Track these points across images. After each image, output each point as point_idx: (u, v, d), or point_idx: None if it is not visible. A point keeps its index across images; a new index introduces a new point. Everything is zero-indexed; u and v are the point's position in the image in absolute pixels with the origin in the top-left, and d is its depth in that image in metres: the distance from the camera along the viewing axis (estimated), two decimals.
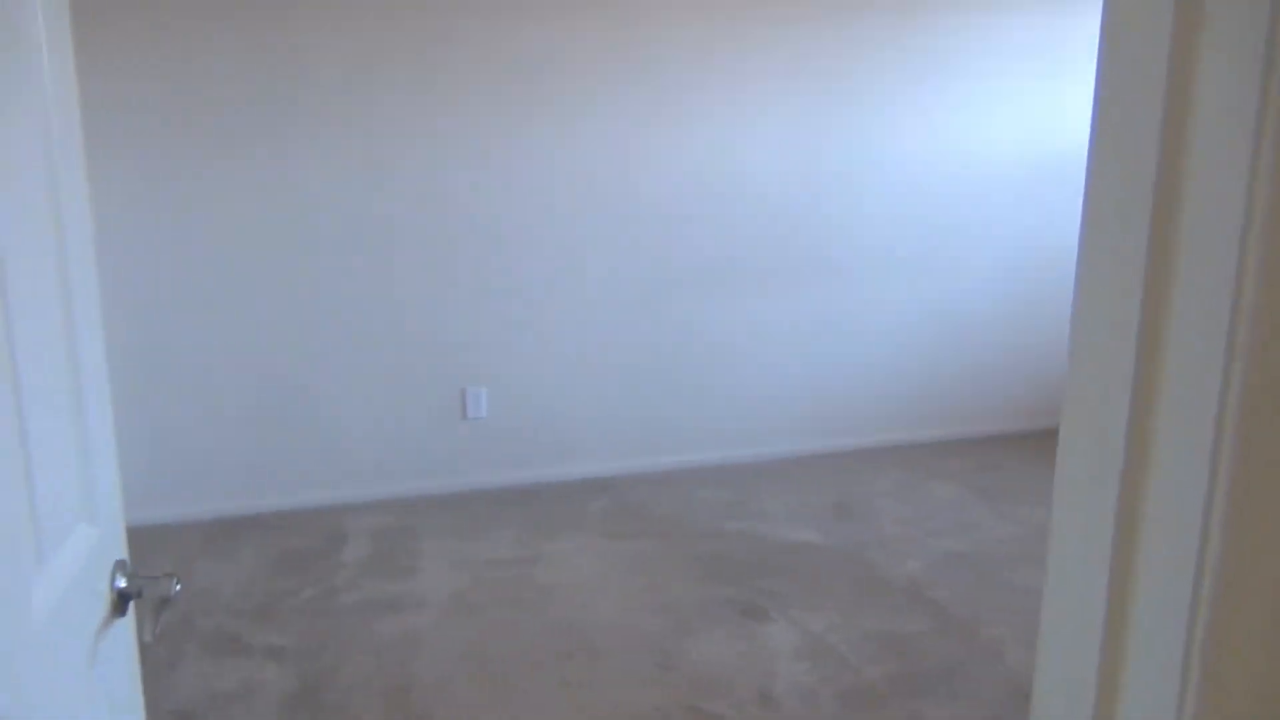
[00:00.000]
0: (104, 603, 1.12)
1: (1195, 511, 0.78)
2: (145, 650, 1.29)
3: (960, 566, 3.56)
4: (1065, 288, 4.79)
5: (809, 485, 4.28)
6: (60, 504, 1.00)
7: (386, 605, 3.30)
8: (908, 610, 3.26)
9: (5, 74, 0.90)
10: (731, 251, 4.31)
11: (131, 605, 1.17)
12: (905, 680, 2.85)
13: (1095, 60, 0.83)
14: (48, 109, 1.00)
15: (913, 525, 3.90)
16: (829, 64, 4.22)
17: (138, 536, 3.77)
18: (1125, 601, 0.86)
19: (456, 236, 3.99)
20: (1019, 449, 4.71)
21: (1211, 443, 0.76)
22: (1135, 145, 0.80)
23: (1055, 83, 4.52)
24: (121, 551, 1.20)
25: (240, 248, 3.81)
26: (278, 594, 3.39)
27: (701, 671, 2.89)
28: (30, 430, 0.91)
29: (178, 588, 1.20)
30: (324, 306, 3.93)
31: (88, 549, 1.07)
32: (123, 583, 1.15)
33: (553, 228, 4.08)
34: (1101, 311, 0.86)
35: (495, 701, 2.74)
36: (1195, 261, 0.76)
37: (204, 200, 3.74)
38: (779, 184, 4.28)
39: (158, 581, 1.19)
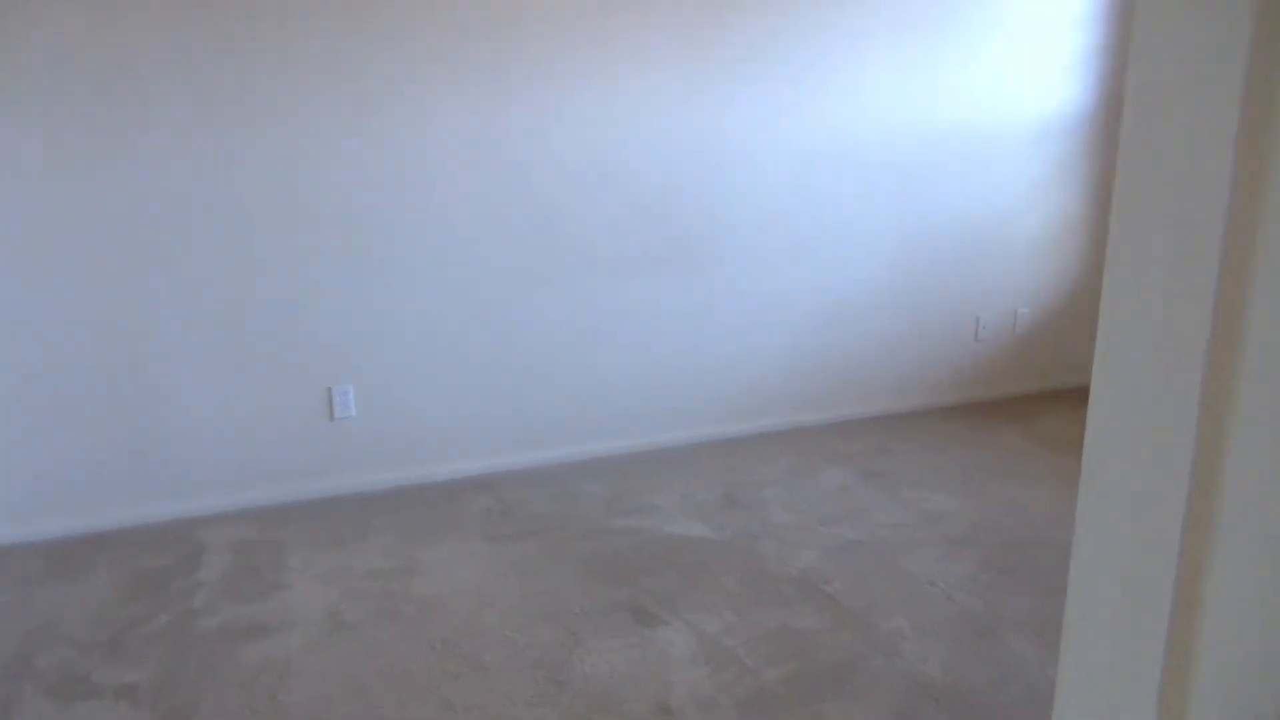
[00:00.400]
0: None
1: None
2: None
3: (854, 555, 3.50)
4: (951, 265, 4.79)
5: (697, 475, 4.17)
6: None
7: (251, 629, 3.04)
8: (804, 605, 3.18)
9: None
10: (611, 236, 4.14)
11: None
12: (805, 680, 2.76)
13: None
14: None
15: (804, 514, 3.83)
16: (708, 42, 4.08)
17: None
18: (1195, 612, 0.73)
19: (318, 224, 3.72)
20: (907, 429, 4.70)
21: None
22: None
23: (937, 58, 4.49)
24: None
25: (72, 232, 3.46)
26: (129, 622, 3.09)
27: (596, 685, 2.74)
28: None
29: None
30: (171, 299, 3.61)
31: None
32: None
33: (420, 215, 3.84)
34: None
35: None
36: None
37: (26, 177, 3.37)
38: (659, 167, 4.14)
39: None
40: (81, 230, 3.45)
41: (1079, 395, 5.23)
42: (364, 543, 3.59)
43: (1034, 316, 5.11)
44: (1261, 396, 0.65)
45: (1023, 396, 5.17)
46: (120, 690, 2.72)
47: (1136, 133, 0.71)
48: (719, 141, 4.21)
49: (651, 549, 3.54)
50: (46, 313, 3.48)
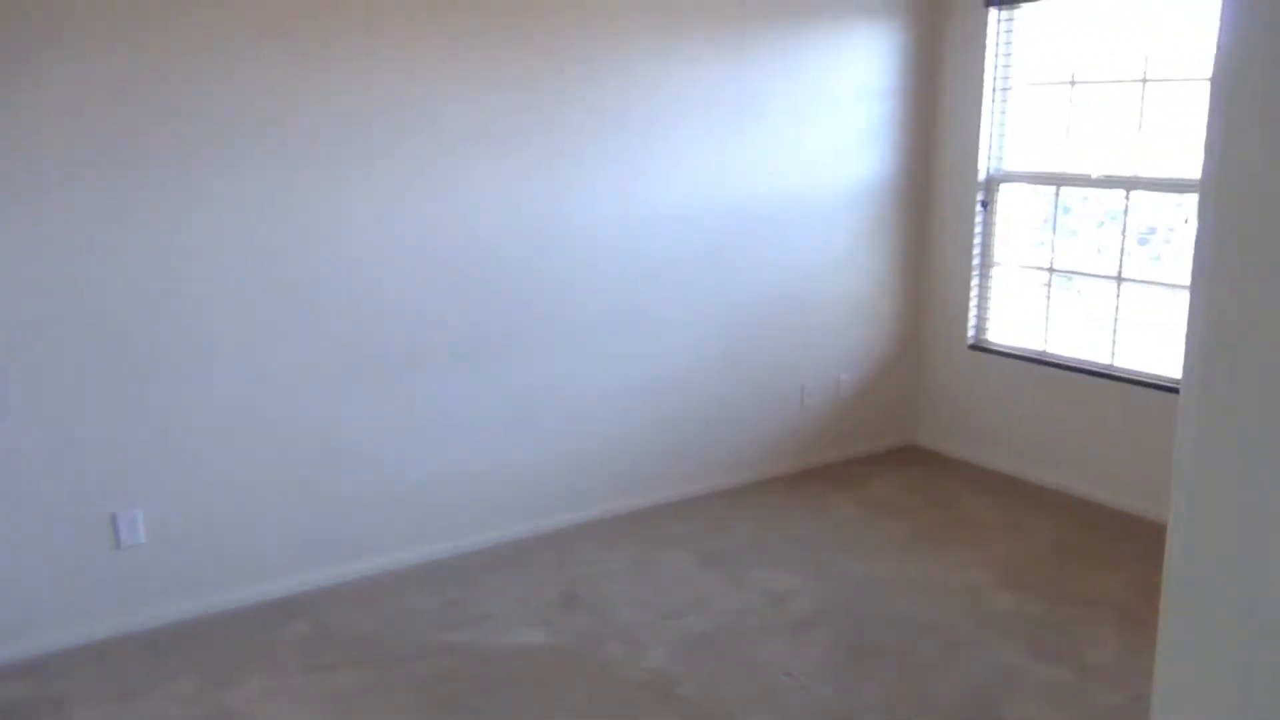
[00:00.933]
0: None
1: None
2: None
3: (704, 650, 3.34)
4: (773, 334, 4.77)
5: (533, 573, 3.92)
6: None
7: None
8: (657, 713, 2.98)
9: None
10: (422, 327, 3.89)
11: None
12: None
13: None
14: None
15: (649, 607, 3.64)
16: (520, 120, 3.93)
17: None
18: None
19: (89, 329, 3.31)
20: (742, 504, 4.60)
21: None
22: None
23: (748, 133, 4.49)
24: None
25: None
26: None
27: None
28: None
29: None
30: None
31: None
32: None
33: (206, 313, 3.50)
34: None
35: None
36: None
37: None
38: (474, 251, 3.93)
39: None
40: None
41: (902, 456, 5.29)
42: (161, 689, 3.17)
43: (855, 380, 5.15)
44: None
45: (850, 461, 5.18)
46: None
47: None
48: (534, 223, 4.05)
49: (489, 665, 3.27)
50: None
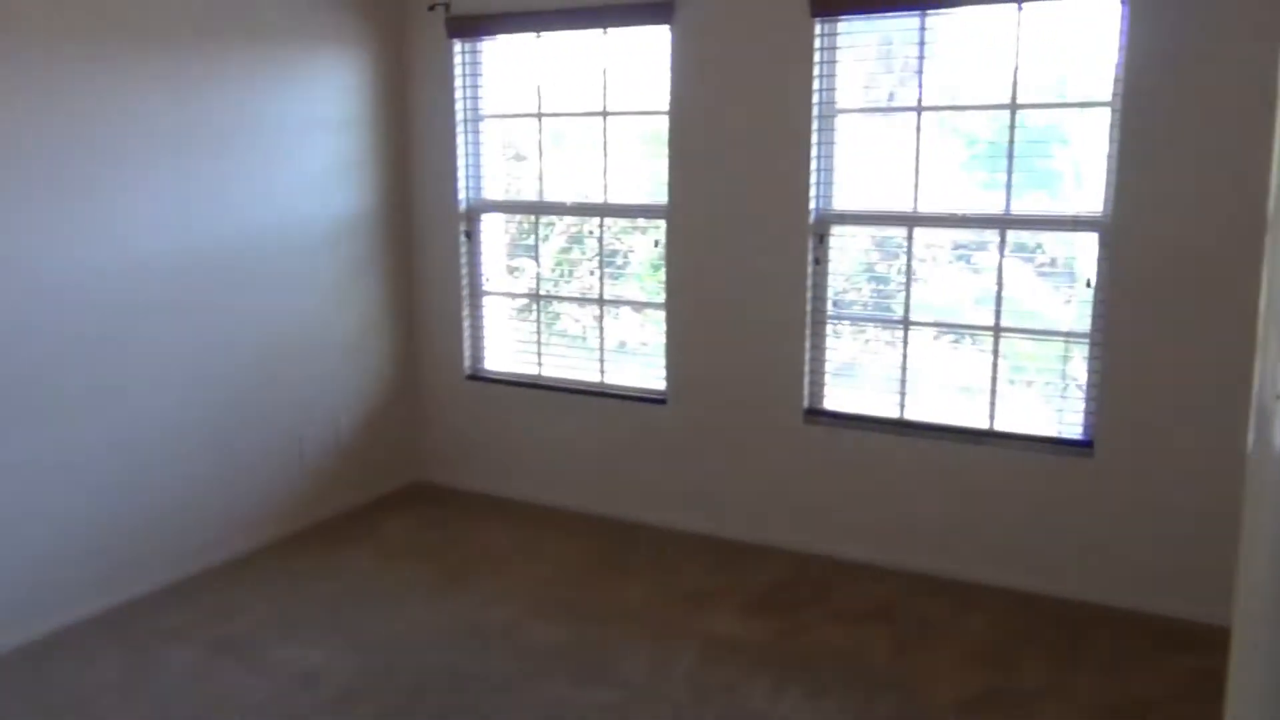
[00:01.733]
0: None
1: None
2: None
3: None
4: (264, 385, 4.37)
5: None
6: None
7: None
8: None
9: None
10: None
11: None
12: None
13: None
14: None
15: None
16: None
17: None
18: None
19: None
20: (250, 576, 4.13)
21: None
22: None
23: (213, 169, 4.06)
24: None
25: None
26: None
27: None
28: None
29: None
30: None
31: None
32: None
33: None
34: None
35: None
36: None
37: None
38: None
39: None
40: None
41: (413, 495, 5.13)
42: None
43: (355, 422, 4.90)
44: None
45: (360, 508, 4.91)
46: None
47: None
48: None
49: None
50: None
